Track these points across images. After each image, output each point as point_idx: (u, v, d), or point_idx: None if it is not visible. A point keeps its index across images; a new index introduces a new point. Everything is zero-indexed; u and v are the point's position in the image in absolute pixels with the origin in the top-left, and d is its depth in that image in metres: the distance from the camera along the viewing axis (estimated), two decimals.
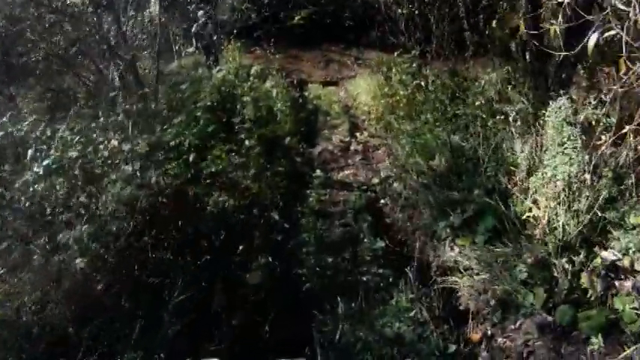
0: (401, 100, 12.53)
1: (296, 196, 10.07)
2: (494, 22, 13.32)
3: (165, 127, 9.22)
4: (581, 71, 8.94)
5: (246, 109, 12.43)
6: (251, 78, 14.08)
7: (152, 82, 11.49)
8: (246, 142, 9.99)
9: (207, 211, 7.53)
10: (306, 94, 15.59)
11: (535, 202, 6.73)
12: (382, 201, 9.97)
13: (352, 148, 12.49)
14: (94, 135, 7.09)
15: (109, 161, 6.83)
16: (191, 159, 8.70)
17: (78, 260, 5.74)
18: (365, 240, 8.18)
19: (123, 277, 5.93)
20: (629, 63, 4.53)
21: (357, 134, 13.05)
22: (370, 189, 10.52)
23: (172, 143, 9.06)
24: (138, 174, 6.66)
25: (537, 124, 7.39)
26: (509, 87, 10.52)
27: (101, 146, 6.85)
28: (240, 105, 12.58)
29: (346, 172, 11.46)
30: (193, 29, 15.31)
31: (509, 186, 7.44)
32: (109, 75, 9.87)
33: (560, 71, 9.39)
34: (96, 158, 6.78)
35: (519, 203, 7.03)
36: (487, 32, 12.95)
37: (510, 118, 7.96)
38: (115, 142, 6.79)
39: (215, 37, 15.20)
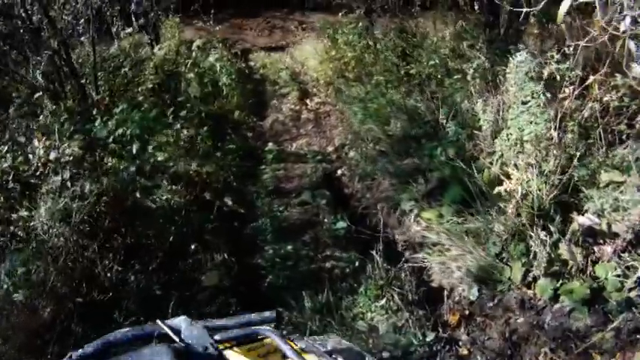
0: (349, 63, 12.04)
1: (250, 175, 9.53)
2: None
3: (105, 118, 8.51)
4: (533, 21, 8.41)
5: (190, 87, 11.81)
6: (193, 53, 13.35)
7: (90, 70, 10.67)
8: (185, 132, 9.24)
9: (154, 208, 6.85)
10: (252, 64, 14.89)
11: (502, 168, 6.19)
12: (339, 171, 9.44)
13: (304, 116, 11.95)
14: (24, 141, 6.37)
15: (38, 172, 6.09)
16: (134, 150, 8.04)
17: (15, 295, 5.09)
18: (325, 220, 7.62)
19: (70, 300, 5.27)
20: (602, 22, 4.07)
21: (308, 101, 12.50)
22: (326, 159, 10.00)
23: (114, 134, 8.41)
24: (69, 184, 5.92)
25: (497, 80, 6.82)
26: (463, 42, 9.97)
27: (30, 155, 6.11)
28: (184, 83, 11.93)
29: (300, 141, 10.95)
30: (131, 8, 14.49)
31: (473, 151, 6.90)
32: (34, 72, 9.04)
33: (512, 23, 8.91)
34: (25, 169, 6.06)
35: (486, 169, 6.49)
36: None
37: (468, 77, 7.35)
38: (40, 151, 6.03)
39: (152, 15, 14.37)
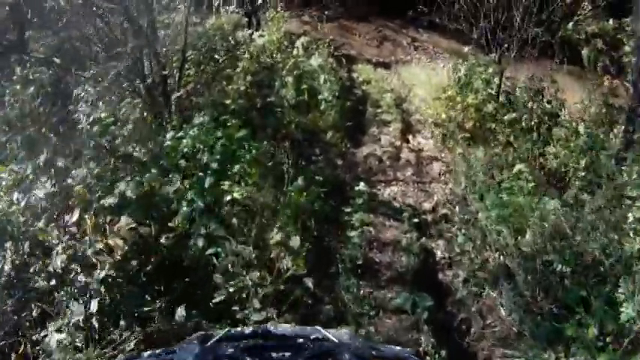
0: (467, 109, 9.85)
1: (333, 220, 7.73)
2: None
3: (179, 135, 6.66)
4: None
5: (285, 89, 10.15)
6: (295, 51, 11.41)
7: (179, 49, 8.79)
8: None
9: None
10: (355, 75, 12.72)
11: None
12: (438, 251, 7.53)
13: (403, 156, 9.92)
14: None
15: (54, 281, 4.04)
16: (207, 184, 6.17)
17: None
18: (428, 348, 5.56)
19: None
20: None
21: (410, 138, 10.42)
22: (421, 220, 8.10)
23: (186, 150, 6.62)
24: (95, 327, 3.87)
25: None
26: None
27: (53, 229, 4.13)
28: (279, 82, 10.21)
29: (394, 188, 9.04)
30: None
31: None
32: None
33: None
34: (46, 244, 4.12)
35: None
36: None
37: None
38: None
39: (260, 1, 12.57)
